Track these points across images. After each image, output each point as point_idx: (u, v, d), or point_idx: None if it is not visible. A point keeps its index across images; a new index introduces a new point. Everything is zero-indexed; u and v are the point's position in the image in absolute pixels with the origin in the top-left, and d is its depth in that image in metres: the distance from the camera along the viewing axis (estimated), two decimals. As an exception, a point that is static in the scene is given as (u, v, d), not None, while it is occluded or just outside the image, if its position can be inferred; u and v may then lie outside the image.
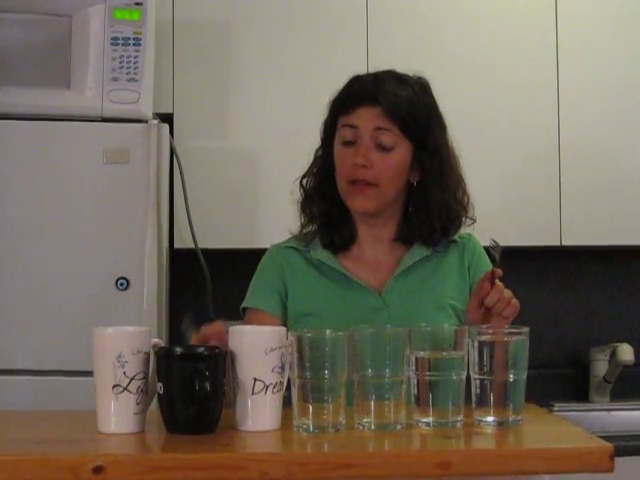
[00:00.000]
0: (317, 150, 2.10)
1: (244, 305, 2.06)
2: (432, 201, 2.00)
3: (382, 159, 1.96)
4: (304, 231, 2.09)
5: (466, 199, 2.05)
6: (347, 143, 1.98)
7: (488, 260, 2.06)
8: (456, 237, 2.06)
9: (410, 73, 2.04)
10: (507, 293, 1.82)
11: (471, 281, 2.03)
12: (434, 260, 2.03)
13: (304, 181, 2.09)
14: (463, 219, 2.04)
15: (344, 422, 1.54)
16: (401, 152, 1.98)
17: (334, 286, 2.01)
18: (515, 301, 1.82)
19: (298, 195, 2.09)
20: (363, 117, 1.96)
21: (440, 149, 2.01)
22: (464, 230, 2.08)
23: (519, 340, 1.59)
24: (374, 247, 2.05)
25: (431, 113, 2.01)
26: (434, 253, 2.03)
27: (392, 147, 1.97)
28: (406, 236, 2.03)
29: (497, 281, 1.81)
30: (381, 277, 2.01)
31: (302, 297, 2.01)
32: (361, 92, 1.98)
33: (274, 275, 2.04)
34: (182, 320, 2.55)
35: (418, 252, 2.02)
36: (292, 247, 2.07)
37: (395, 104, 1.96)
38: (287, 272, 2.04)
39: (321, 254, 2.03)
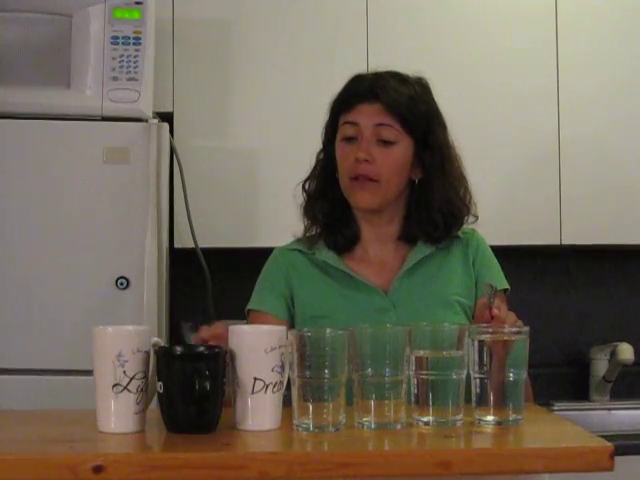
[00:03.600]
0: (319, 153, 2.10)
1: (249, 307, 2.05)
2: (434, 198, 2.00)
3: (383, 154, 1.96)
4: (308, 234, 2.08)
5: (468, 197, 2.05)
6: (348, 139, 1.99)
7: (491, 254, 2.06)
8: (459, 233, 2.05)
9: (410, 74, 2.04)
10: (509, 319, 1.71)
11: (476, 276, 2.02)
12: (438, 257, 2.03)
13: (306, 185, 2.09)
14: (465, 217, 2.04)
15: (344, 421, 1.54)
16: (402, 148, 1.98)
17: (340, 287, 2.00)
18: (520, 323, 1.71)
19: (300, 199, 2.09)
20: (364, 113, 1.97)
21: (441, 146, 2.02)
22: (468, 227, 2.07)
23: (519, 340, 1.59)
24: (378, 247, 2.05)
25: (431, 111, 2.02)
26: (438, 251, 2.03)
27: (393, 142, 1.97)
28: (409, 234, 2.03)
29: (495, 311, 1.70)
30: (386, 277, 2.01)
31: (309, 300, 2.00)
32: (361, 89, 1.99)
33: (279, 278, 2.04)
34: (179, 327, 2.57)
35: (422, 250, 2.02)
36: (297, 249, 2.07)
37: (395, 100, 1.96)
38: (293, 275, 2.03)
39: (326, 255, 2.02)
